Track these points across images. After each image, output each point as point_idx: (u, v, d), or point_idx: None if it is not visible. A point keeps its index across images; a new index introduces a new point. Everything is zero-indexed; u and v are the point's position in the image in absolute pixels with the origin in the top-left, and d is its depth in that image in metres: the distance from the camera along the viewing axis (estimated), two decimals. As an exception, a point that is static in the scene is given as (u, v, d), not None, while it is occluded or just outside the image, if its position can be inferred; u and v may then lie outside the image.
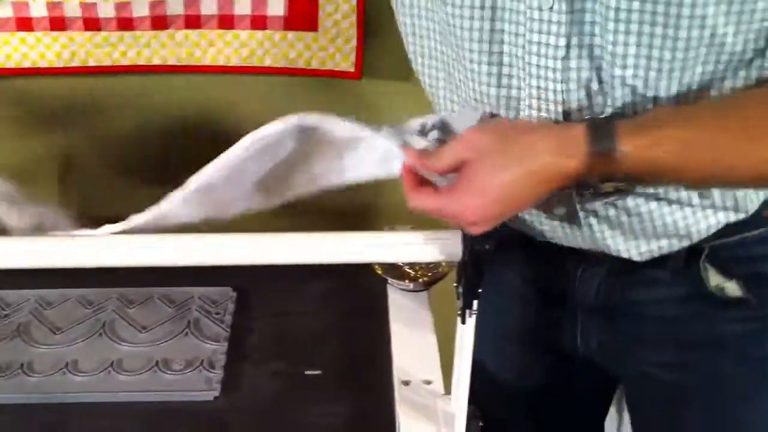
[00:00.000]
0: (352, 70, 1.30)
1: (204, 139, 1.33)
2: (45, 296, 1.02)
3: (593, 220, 0.82)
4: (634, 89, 0.72)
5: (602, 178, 0.70)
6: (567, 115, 0.75)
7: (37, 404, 0.88)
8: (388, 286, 1.04)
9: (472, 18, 0.75)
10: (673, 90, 0.71)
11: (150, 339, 0.96)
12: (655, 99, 0.72)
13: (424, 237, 0.77)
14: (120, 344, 0.95)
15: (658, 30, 0.68)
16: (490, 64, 0.77)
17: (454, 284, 0.76)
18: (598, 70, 0.73)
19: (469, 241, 0.75)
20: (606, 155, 0.66)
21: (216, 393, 0.89)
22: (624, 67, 0.71)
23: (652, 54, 0.70)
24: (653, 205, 0.79)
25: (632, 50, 0.70)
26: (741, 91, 0.72)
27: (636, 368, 0.95)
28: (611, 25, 0.69)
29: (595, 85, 0.73)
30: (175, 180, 1.39)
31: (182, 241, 0.78)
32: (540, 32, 0.73)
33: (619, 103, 0.73)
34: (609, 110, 0.74)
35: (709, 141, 0.66)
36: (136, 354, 0.94)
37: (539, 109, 0.76)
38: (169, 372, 0.91)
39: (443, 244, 0.76)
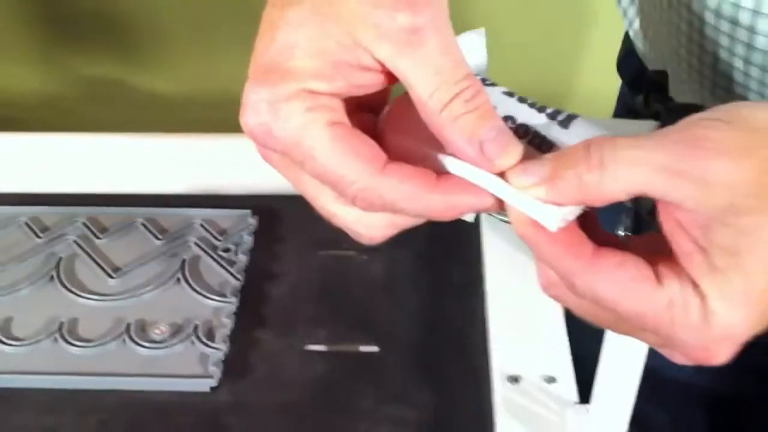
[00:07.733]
0: None
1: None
2: (-18, 216, 0.71)
3: None
4: None
5: None
6: None
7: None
8: (484, 217, 0.69)
9: None
10: None
11: (122, 289, 0.64)
12: None
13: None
14: (77, 295, 0.63)
15: None
16: None
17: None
18: None
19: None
20: None
21: (213, 381, 0.57)
22: None
23: None
24: None
25: None
26: None
27: None
28: None
29: None
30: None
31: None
32: None
33: None
34: None
35: None
36: (99, 312, 0.62)
37: None
38: (145, 344, 0.59)
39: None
